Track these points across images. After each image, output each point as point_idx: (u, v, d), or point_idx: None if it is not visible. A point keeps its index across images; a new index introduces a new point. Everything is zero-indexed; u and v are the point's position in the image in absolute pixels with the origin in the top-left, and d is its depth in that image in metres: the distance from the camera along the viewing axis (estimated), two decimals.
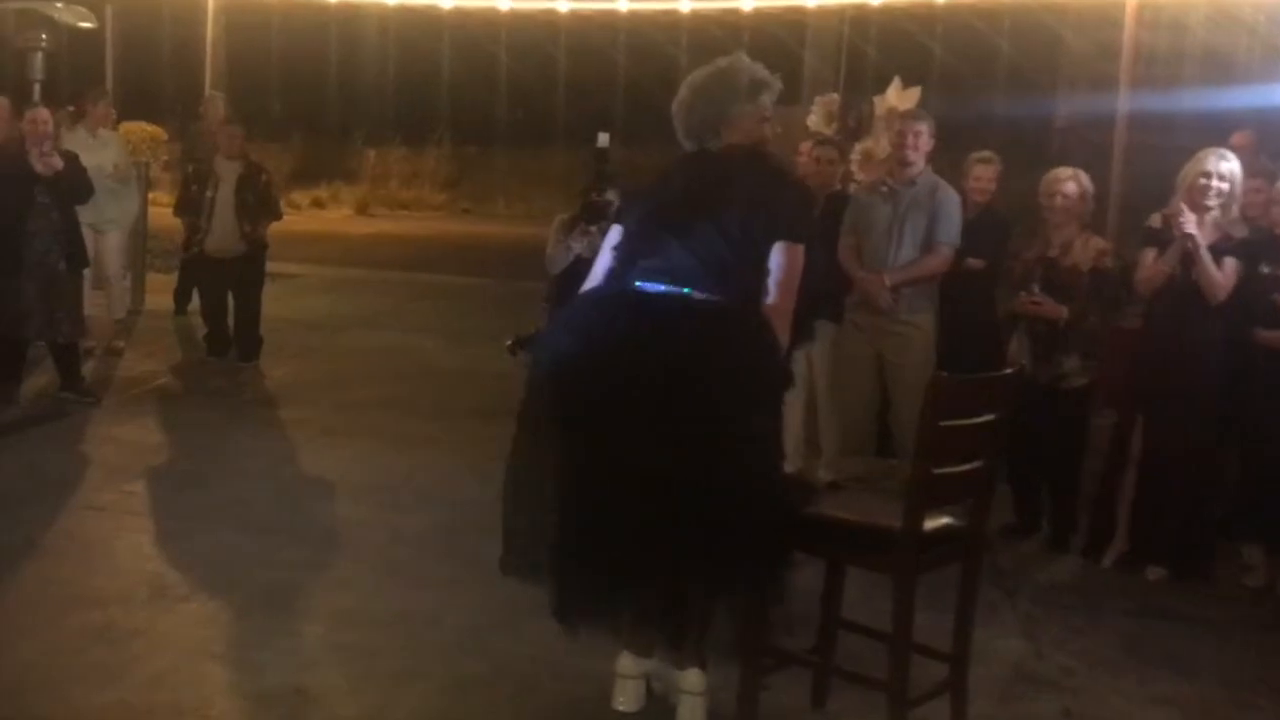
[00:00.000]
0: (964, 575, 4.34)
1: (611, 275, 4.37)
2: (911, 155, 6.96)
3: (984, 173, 7.64)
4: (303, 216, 24.17)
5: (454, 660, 4.85)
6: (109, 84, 11.81)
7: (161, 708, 4.32)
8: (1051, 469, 6.79)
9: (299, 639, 4.98)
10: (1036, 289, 6.61)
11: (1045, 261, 6.70)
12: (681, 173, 4.51)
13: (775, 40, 11.25)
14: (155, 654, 4.75)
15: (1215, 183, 6.08)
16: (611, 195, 6.96)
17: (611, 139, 6.88)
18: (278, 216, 10.42)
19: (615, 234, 4.49)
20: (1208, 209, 6.11)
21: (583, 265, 7.13)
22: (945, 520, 4.27)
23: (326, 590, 5.50)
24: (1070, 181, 6.67)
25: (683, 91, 4.56)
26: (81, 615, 5.05)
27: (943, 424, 4.06)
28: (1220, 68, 8.18)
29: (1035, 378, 6.59)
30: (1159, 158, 6.51)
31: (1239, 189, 6.16)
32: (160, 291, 12.43)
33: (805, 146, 8.22)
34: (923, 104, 8.10)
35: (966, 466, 4.22)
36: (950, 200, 7.00)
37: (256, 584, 5.50)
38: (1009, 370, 4.46)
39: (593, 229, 6.85)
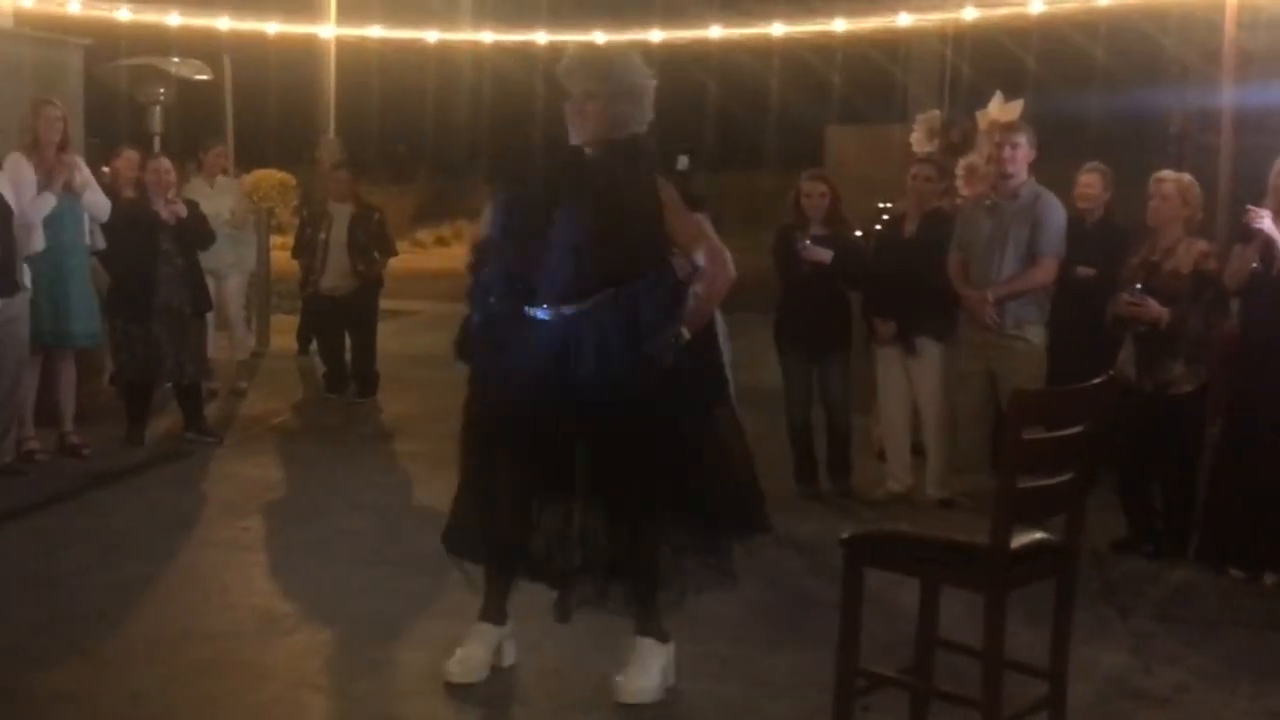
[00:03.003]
0: (1058, 590, 4.26)
1: None
2: (1010, 167, 6.90)
3: (1088, 180, 7.56)
4: (427, 254, 24.64)
5: (553, 685, 4.88)
6: (229, 133, 12.14)
7: None
8: (1163, 479, 6.65)
9: (401, 668, 5.04)
10: (1137, 289, 6.50)
11: (1148, 265, 6.59)
12: None
13: (868, 61, 11.22)
14: (259, 686, 4.84)
15: None
16: (701, 217, 6.98)
17: (701, 165, 6.93)
18: (393, 253, 10.65)
19: None
20: None
21: None
22: (1037, 535, 4.20)
23: (431, 620, 5.55)
24: (1169, 183, 6.57)
25: (634, 78, 4.72)
26: (191, 649, 5.17)
27: (1027, 437, 4.01)
28: None
29: (1140, 386, 6.49)
30: (1268, 158, 6.41)
31: None
32: (285, 332, 12.77)
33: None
34: (1025, 117, 7.98)
35: (1056, 480, 4.15)
36: (1052, 210, 6.92)
37: (362, 615, 5.58)
38: (1099, 379, 4.36)
39: None
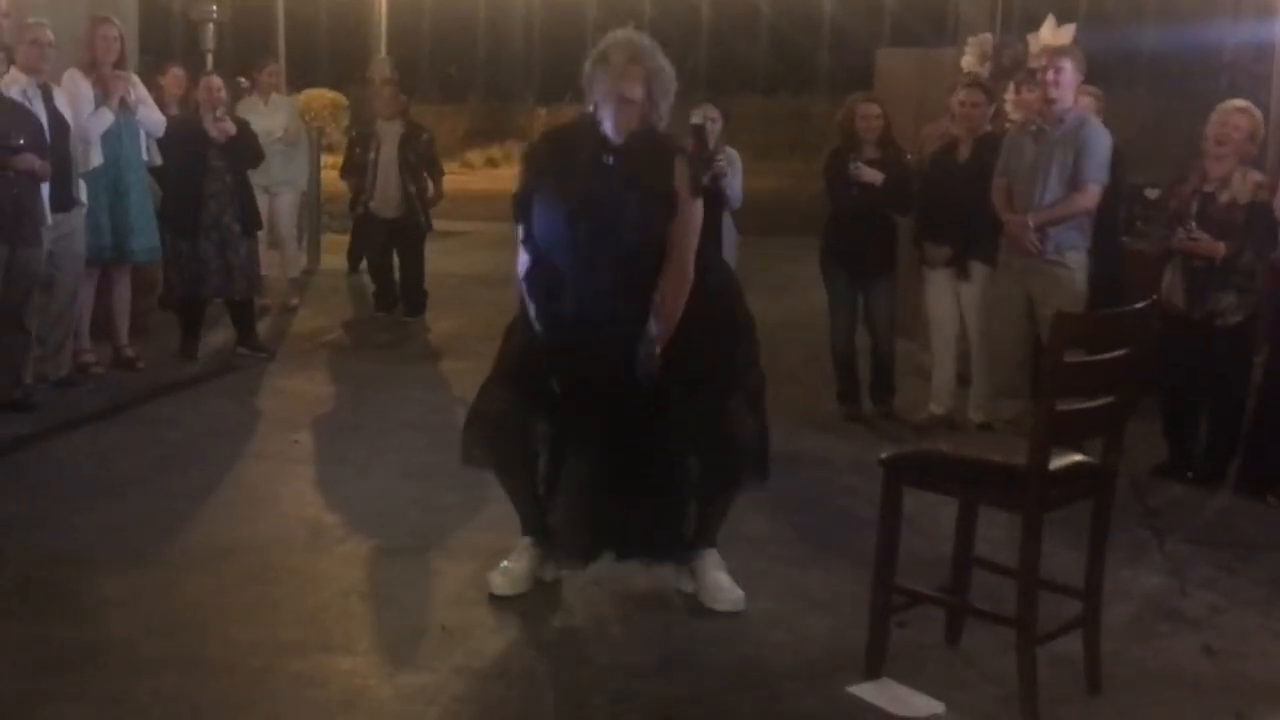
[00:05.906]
0: (1095, 510, 4.31)
1: None
2: (1054, 92, 6.85)
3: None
4: (476, 175, 24.63)
5: (595, 596, 4.97)
6: (281, 52, 12.19)
7: (310, 644, 4.51)
8: (1209, 407, 6.66)
9: (448, 579, 5.16)
10: (1193, 225, 6.47)
11: (1202, 197, 6.55)
12: None
13: None
14: (309, 594, 4.97)
15: None
16: (697, 117, 6.82)
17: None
18: (440, 175, 10.66)
19: None
20: None
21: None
22: (1075, 457, 4.24)
23: (477, 532, 5.64)
24: (1244, 115, 6.48)
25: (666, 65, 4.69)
26: (242, 557, 5.30)
27: (1068, 360, 4.05)
28: None
29: (1190, 315, 6.48)
30: None
31: None
32: (335, 251, 12.88)
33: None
34: (1077, 42, 7.90)
35: (1096, 403, 4.19)
36: (1097, 137, 6.87)
37: (410, 527, 5.71)
38: (1145, 303, 4.38)
39: None
